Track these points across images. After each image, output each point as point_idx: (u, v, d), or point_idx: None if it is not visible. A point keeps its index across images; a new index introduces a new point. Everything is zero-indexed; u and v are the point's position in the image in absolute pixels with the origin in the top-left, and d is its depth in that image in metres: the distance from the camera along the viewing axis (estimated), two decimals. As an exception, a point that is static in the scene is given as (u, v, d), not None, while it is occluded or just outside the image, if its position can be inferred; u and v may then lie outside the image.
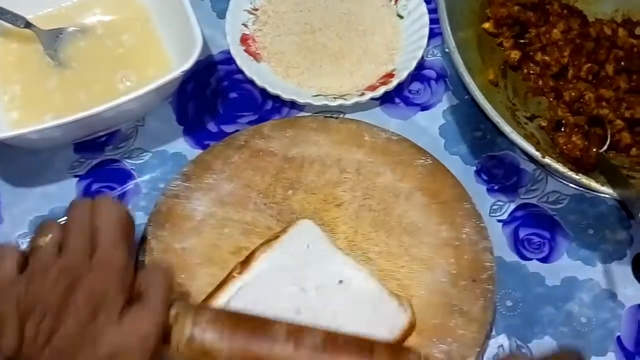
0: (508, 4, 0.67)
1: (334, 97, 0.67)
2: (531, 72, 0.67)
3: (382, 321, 0.55)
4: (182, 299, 0.50)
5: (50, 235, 0.48)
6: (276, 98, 0.68)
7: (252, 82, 0.68)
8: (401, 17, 0.73)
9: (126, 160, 0.67)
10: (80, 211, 0.49)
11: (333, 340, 0.47)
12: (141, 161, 0.67)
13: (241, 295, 0.56)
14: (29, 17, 0.68)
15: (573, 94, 0.65)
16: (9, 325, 0.44)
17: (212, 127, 0.68)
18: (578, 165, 0.60)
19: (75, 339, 0.43)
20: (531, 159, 0.61)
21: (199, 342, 0.46)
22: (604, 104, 0.64)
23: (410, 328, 0.56)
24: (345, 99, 0.66)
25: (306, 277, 0.57)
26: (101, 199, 0.50)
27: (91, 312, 0.44)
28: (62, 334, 0.43)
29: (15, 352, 0.43)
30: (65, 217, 0.49)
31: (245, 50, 0.70)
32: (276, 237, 0.59)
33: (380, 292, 0.56)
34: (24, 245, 0.62)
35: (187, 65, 0.60)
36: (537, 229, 0.64)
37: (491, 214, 0.64)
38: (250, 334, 0.47)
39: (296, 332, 0.47)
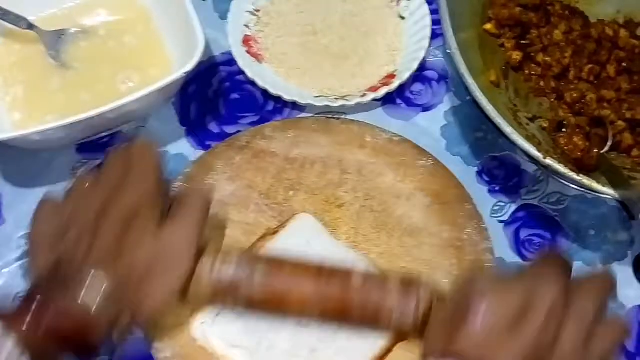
0: (510, 5, 0.67)
1: (336, 98, 0.67)
2: (533, 73, 0.67)
3: None
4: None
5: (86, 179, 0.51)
6: (278, 99, 0.68)
7: (253, 83, 0.68)
8: (403, 18, 0.73)
9: (128, 161, 0.67)
10: (117, 151, 0.52)
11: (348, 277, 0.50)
12: (143, 162, 0.67)
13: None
14: (32, 19, 0.69)
15: (574, 95, 0.64)
16: (41, 247, 0.48)
17: (214, 128, 0.69)
18: (579, 166, 0.59)
19: (114, 249, 0.46)
20: (532, 160, 0.61)
21: (226, 278, 0.49)
22: (605, 105, 0.64)
23: None
24: (346, 100, 0.67)
25: None
26: (137, 140, 0.55)
27: (126, 225, 0.47)
28: (100, 246, 0.46)
29: (50, 271, 0.46)
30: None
31: (247, 52, 0.70)
32: (274, 232, 0.59)
33: None
34: (25, 246, 0.62)
35: (189, 66, 0.60)
36: (538, 229, 0.64)
37: (492, 215, 0.64)
38: (278, 271, 0.50)
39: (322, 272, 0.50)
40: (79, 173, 0.53)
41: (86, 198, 0.49)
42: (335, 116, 0.68)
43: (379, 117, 0.69)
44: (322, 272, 0.50)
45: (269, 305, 0.51)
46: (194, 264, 0.49)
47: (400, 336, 0.54)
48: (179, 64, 0.64)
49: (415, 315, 0.48)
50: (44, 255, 0.48)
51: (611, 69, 0.66)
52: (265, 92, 0.68)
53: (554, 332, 0.41)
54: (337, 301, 0.49)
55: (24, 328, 0.43)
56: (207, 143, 0.67)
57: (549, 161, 0.55)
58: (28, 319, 0.43)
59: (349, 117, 0.68)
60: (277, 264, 0.51)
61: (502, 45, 0.67)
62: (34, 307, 0.44)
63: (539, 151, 0.56)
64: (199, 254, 0.49)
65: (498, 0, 0.68)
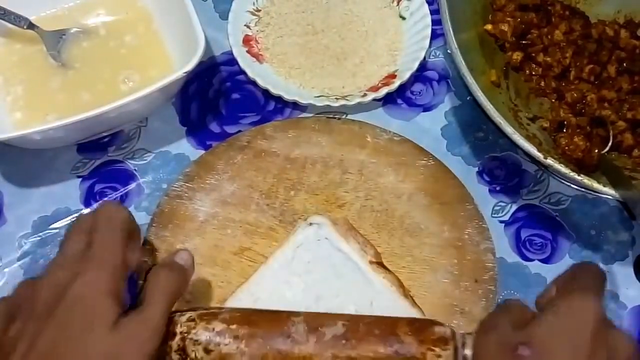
0: (509, 13, 0.67)
1: (336, 98, 0.67)
2: (533, 73, 0.67)
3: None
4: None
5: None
6: (278, 99, 0.68)
7: (254, 83, 0.68)
8: (403, 18, 0.73)
9: (129, 160, 0.67)
10: (81, 219, 0.49)
11: (354, 326, 0.47)
12: (144, 162, 0.67)
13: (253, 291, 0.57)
14: (32, 18, 0.69)
15: (575, 95, 0.65)
16: None
17: (214, 127, 0.69)
18: (580, 166, 0.59)
19: (62, 344, 0.41)
20: (533, 160, 0.61)
21: (216, 348, 0.46)
22: (606, 105, 0.64)
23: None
24: (347, 100, 0.67)
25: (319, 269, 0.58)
26: (102, 203, 0.50)
27: (81, 317, 0.42)
28: (48, 338, 0.41)
29: None
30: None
31: (248, 52, 0.70)
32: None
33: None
34: (26, 246, 0.63)
35: (190, 66, 0.60)
36: (539, 229, 0.64)
37: (493, 215, 0.64)
38: (268, 333, 0.46)
39: (315, 323, 0.47)
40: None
41: (44, 275, 0.45)
42: (336, 116, 0.68)
43: (380, 117, 0.69)
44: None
45: None
46: (158, 355, 0.44)
47: None
48: (179, 64, 0.64)
49: None
50: None
51: (612, 69, 0.66)
52: (265, 92, 0.68)
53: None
54: None
55: None
56: (208, 143, 0.67)
57: (549, 161, 0.55)
58: None
59: (349, 117, 0.68)
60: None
61: (503, 45, 0.67)
62: None
63: (540, 151, 0.56)
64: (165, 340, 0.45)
65: (499, 1, 0.68)
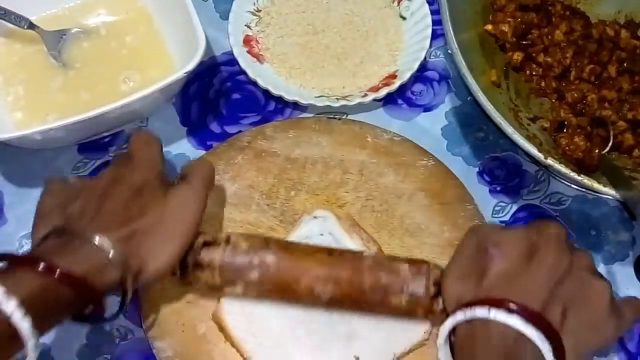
0: (509, 13, 0.67)
1: (337, 98, 0.67)
2: (533, 73, 0.67)
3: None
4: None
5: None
6: (279, 99, 0.68)
7: (255, 83, 0.68)
8: (404, 18, 0.73)
9: (129, 161, 0.67)
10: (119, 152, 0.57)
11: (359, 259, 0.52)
12: (144, 162, 0.67)
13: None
14: (33, 18, 0.69)
15: (575, 95, 0.65)
16: (45, 217, 0.50)
17: (215, 128, 0.69)
18: (580, 166, 0.59)
19: (120, 216, 0.49)
20: (533, 160, 0.61)
21: (237, 262, 0.52)
22: (606, 105, 0.64)
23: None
24: (348, 100, 0.67)
25: None
26: (135, 133, 0.57)
27: (134, 194, 0.50)
28: (106, 213, 0.49)
29: (52, 236, 0.48)
30: None
31: (249, 52, 0.70)
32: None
33: None
34: (27, 246, 0.63)
35: (190, 66, 0.60)
36: (539, 230, 0.64)
37: (493, 215, 0.64)
38: (289, 254, 0.52)
39: (330, 255, 0.52)
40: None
41: (94, 179, 0.53)
42: (336, 116, 0.68)
43: (380, 117, 0.69)
44: (332, 253, 0.52)
45: (281, 289, 0.52)
46: (198, 226, 0.52)
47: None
48: (180, 64, 0.64)
49: (426, 285, 0.50)
50: (48, 223, 0.49)
51: (612, 69, 0.66)
52: (266, 92, 0.68)
53: (563, 267, 0.47)
54: (348, 282, 0.51)
55: (39, 268, 0.43)
56: (209, 143, 0.67)
57: (550, 161, 0.55)
58: (41, 266, 0.43)
59: (350, 117, 0.68)
60: (287, 247, 0.53)
61: (503, 46, 0.67)
62: (44, 259, 0.44)
63: (540, 151, 0.56)
64: (199, 225, 0.52)
65: (499, 1, 0.68)
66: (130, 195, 0.50)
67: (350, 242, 0.58)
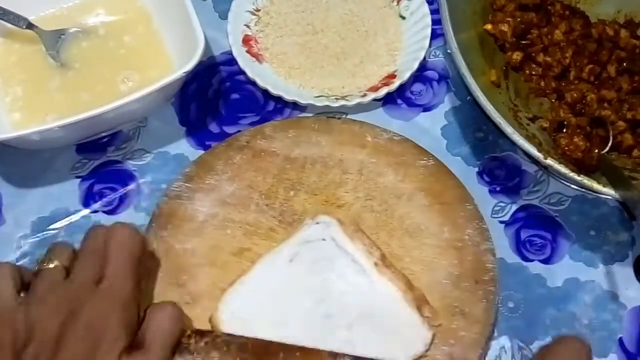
0: (509, 13, 0.67)
1: (336, 98, 0.67)
2: (533, 73, 0.67)
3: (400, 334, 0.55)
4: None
5: (57, 262, 0.47)
6: (278, 99, 0.68)
7: (254, 83, 0.68)
8: (403, 18, 0.73)
9: (128, 161, 0.67)
10: (94, 238, 0.49)
11: None
12: (143, 162, 0.67)
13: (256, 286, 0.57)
14: (31, 18, 0.68)
15: (575, 95, 0.64)
16: (3, 356, 0.43)
17: (214, 128, 0.68)
18: (580, 166, 0.59)
19: None
20: (533, 160, 0.61)
21: None
22: (606, 105, 0.64)
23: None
24: (347, 100, 0.66)
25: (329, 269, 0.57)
26: (117, 226, 0.50)
27: (90, 349, 0.43)
28: None
29: None
30: (80, 244, 0.49)
31: (248, 52, 0.70)
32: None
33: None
34: (25, 247, 0.63)
35: (189, 66, 0.60)
36: (539, 230, 0.64)
37: (493, 215, 0.64)
38: None
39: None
40: (51, 246, 0.49)
41: (52, 298, 0.45)
42: (335, 116, 0.68)
43: (380, 117, 0.69)
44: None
45: None
46: None
47: None
48: (178, 64, 0.64)
49: None
50: None
51: (612, 69, 0.66)
52: (265, 92, 0.68)
53: None
54: None
55: None
56: (207, 143, 0.67)
57: (549, 161, 0.55)
58: None
59: (349, 116, 0.68)
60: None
61: (503, 45, 0.67)
62: None
63: (540, 151, 0.56)
64: None
65: (499, 1, 0.68)
66: (83, 352, 0.43)
67: (352, 248, 0.58)
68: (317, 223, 0.59)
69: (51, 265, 0.47)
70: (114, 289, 0.46)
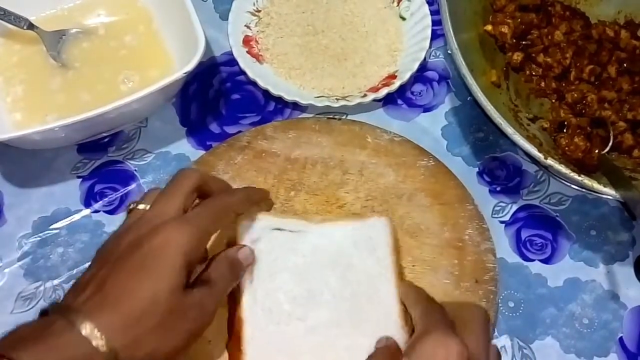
0: (509, 14, 0.67)
1: (337, 99, 0.67)
2: (533, 73, 0.67)
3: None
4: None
5: (145, 205, 0.50)
6: (279, 99, 0.68)
7: (254, 84, 0.68)
8: (403, 18, 0.73)
9: (129, 161, 0.67)
10: (180, 177, 0.51)
11: None
12: (144, 162, 0.67)
13: (290, 237, 0.57)
14: (32, 19, 0.69)
15: (575, 95, 0.65)
16: None
17: (214, 128, 0.69)
18: (580, 166, 0.59)
19: (128, 288, 0.43)
20: (533, 160, 0.61)
21: None
22: (606, 105, 0.64)
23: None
24: (347, 100, 0.67)
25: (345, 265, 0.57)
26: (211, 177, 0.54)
27: (154, 268, 0.44)
28: (116, 281, 0.44)
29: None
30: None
31: (248, 52, 0.70)
32: (355, 214, 0.60)
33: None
34: (27, 246, 0.63)
35: (190, 66, 0.60)
36: (539, 230, 0.64)
37: (493, 215, 0.64)
38: None
39: None
40: (146, 192, 0.52)
41: (127, 228, 0.48)
42: (336, 116, 0.68)
43: (380, 117, 0.69)
44: None
45: None
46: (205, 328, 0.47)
47: None
48: (179, 64, 0.64)
49: None
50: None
51: (612, 70, 0.66)
52: (266, 93, 0.68)
53: None
54: None
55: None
56: (208, 143, 0.67)
57: (550, 161, 0.55)
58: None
59: (350, 117, 0.68)
60: None
61: (503, 46, 0.67)
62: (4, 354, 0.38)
63: (540, 152, 0.56)
64: None
65: (499, 2, 0.68)
66: (141, 272, 0.44)
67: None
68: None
69: (140, 207, 0.50)
70: (192, 218, 0.48)
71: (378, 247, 0.57)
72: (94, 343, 0.40)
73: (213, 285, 0.48)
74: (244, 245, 0.54)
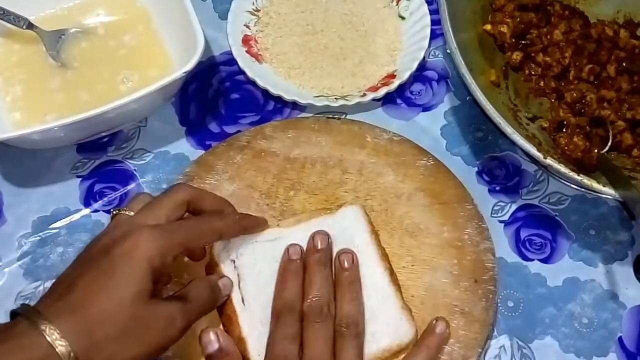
0: (508, 13, 0.67)
1: (336, 98, 0.67)
2: (533, 73, 0.67)
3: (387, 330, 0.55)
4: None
5: (130, 212, 0.50)
6: (278, 99, 0.68)
7: (254, 83, 0.68)
8: (403, 18, 0.73)
9: (128, 160, 0.67)
10: (171, 189, 0.52)
11: None
12: (143, 162, 0.67)
13: (270, 246, 0.57)
14: (32, 18, 0.69)
15: (575, 95, 0.65)
16: None
17: (214, 127, 0.69)
18: (579, 166, 0.59)
19: (95, 292, 0.43)
20: (533, 159, 0.61)
21: None
22: (605, 105, 0.64)
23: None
24: (347, 100, 0.67)
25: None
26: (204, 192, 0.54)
27: (109, 274, 0.44)
28: (83, 282, 0.44)
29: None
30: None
31: (247, 52, 0.70)
32: (328, 209, 0.60)
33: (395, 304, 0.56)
34: (26, 246, 0.63)
35: (189, 66, 0.60)
36: (538, 229, 0.64)
37: (493, 215, 0.64)
38: None
39: None
40: (134, 195, 0.53)
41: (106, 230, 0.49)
42: (335, 116, 0.68)
43: (379, 117, 0.69)
44: None
45: None
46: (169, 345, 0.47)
47: None
48: (178, 64, 0.64)
49: None
50: None
51: (611, 69, 0.66)
52: (265, 92, 0.68)
53: None
54: None
55: None
56: (207, 143, 0.67)
57: (549, 161, 0.55)
58: None
59: (349, 117, 0.68)
60: None
61: (502, 45, 0.67)
62: None
63: (539, 151, 0.56)
64: None
65: (498, 1, 0.68)
66: (107, 277, 0.44)
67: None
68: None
69: (124, 212, 0.50)
70: (165, 226, 0.48)
71: (355, 236, 0.57)
72: (55, 345, 0.40)
73: (187, 302, 0.48)
74: (225, 276, 0.54)
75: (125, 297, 0.43)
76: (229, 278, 0.54)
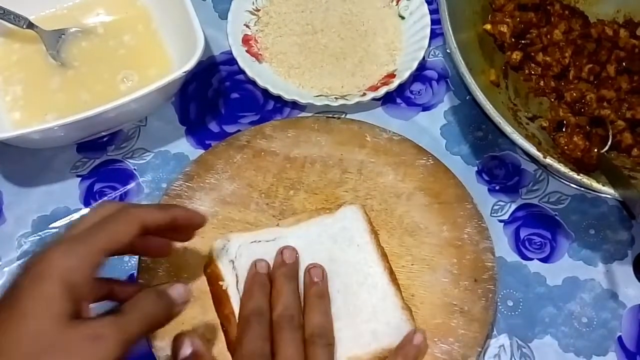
0: (508, 13, 0.67)
1: (336, 98, 0.67)
2: (532, 72, 0.67)
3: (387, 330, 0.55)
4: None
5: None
6: (278, 98, 0.68)
7: (253, 83, 0.68)
8: (402, 17, 0.73)
9: (128, 160, 0.67)
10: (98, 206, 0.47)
11: None
12: (143, 161, 0.67)
13: (269, 246, 0.57)
14: (32, 18, 0.69)
15: (574, 94, 0.65)
16: None
17: (214, 127, 0.69)
18: (579, 165, 0.59)
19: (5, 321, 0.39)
20: (532, 159, 0.61)
21: None
22: (605, 104, 0.64)
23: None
24: (346, 100, 0.67)
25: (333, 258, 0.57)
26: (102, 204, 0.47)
27: (31, 299, 0.39)
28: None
29: None
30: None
31: (247, 51, 0.70)
32: (328, 209, 0.60)
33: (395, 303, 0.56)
34: (26, 245, 0.63)
35: (189, 65, 0.60)
36: (538, 229, 0.64)
37: (492, 214, 0.64)
38: None
39: None
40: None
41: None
42: (335, 115, 0.68)
43: (379, 116, 0.69)
44: None
45: None
46: None
47: None
48: (178, 63, 0.64)
49: None
50: None
51: (611, 69, 0.66)
52: (265, 92, 0.68)
53: None
54: None
55: None
56: (207, 142, 0.67)
57: (549, 160, 0.55)
58: None
59: (349, 116, 0.68)
60: None
61: (502, 45, 0.67)
62: None
63: (539, 150, 0.56)
64: None
65: (498, 1, 0.68)
66: (19, 306, 0.39)
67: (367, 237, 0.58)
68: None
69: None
70: (80, 239, 0.42)
71: (355, 235, 0.58)
72: None
73: (121, 315, 0.42)
74: (178, 282, 0.47)
75: (40, 328, 0.38)
76: (182, 285, 0.47)
